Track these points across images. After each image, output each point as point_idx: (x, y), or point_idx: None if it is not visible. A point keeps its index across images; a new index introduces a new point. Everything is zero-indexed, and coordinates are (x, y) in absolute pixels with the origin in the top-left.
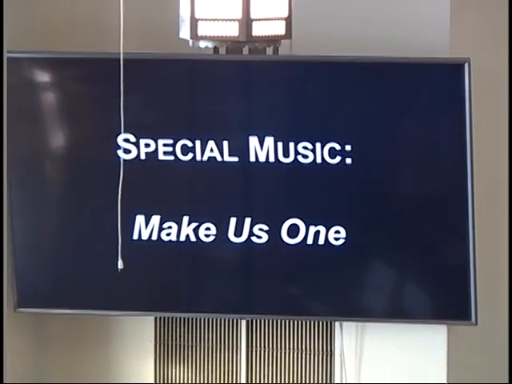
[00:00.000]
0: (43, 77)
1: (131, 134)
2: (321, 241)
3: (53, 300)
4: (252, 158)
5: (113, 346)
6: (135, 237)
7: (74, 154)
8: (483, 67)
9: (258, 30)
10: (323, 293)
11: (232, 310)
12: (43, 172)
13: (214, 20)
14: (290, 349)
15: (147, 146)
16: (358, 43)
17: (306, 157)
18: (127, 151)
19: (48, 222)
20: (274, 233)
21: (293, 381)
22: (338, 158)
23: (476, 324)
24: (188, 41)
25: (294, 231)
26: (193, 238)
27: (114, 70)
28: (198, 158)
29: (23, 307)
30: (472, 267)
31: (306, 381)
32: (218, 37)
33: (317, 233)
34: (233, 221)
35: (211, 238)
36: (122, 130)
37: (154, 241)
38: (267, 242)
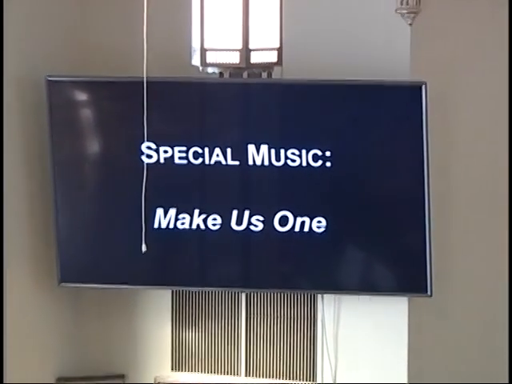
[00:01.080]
0: (79, 96)
1: (152, 142)
2: (306, 229)
3: (89, 276)
4: (250, 162)
5: (137, 314)
6: (156, 226)
7: (106, 159)
8: (441, 89)
9: (255, 58)
10: (308, 271)
11: (234, 285)
12: (82, 173)
13: (220, 50)
14: (280, 316)
15: (165, 152)
16: (335, 69)
17: (293, 161)
18: (149, 156)
19: (85, 213)
20: (268, 222)
21: (283, 341)
22: (320, 162)
23: (431, 296)
24: (198, 67)
25: (284, 221)
26: (202, 227)
27: (138, 90)
28: (207, 162)
29: (65, 282)
30: (428, 251)
31: (294, 341)
32: (222, 64)
33: (302, 222)
34: (234, 213)
35: (217, 227)
36: (145, 139)
37: (171, 229)
38: (262, 229)
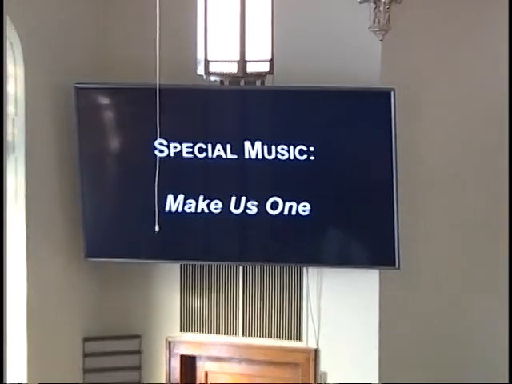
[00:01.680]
0: (102, 100)
1: (164, 139)
2: (293, 212)
3: (110, 252)
4: (246, 156)
5: (151, 284)
6: (167, 209)
7: (125, 153)
8: (407, 94)
9: (251, 68)
10: (295, 247)
11: (232, 259)
12: (104, 165)
13: (220, 61)
14: (272, 285)
15: (175, 147)
16: (318, 77)
17: (283, 155)
18: (161, 151)
19: (107, 200)
20: (261, 206)
21: (274, 307)
22: (305, 156)
23: (399, 268)
24: (203, 76)
25: (274, 205)
26: (206, 210)
27: (152, 95)
28: (210, 155)
29: (90, 257)
30: (396, 229)
31: (283, 307)
32: (223, 73)
33: (290, 206)
34: (233, 198)
35: (218, 210)
36: (158, 137)
37: (179, 212)
38: (257, 213)
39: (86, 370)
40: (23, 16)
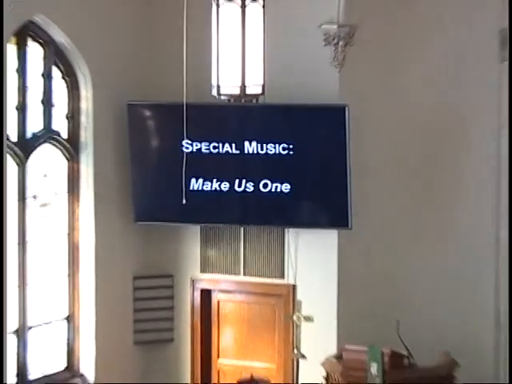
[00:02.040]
0: (146, 113)
1: (189, 139)
2: (278, 190)
3: (153, 217)
4: (245, 151)
5: (180, 240)
6: (191, 188)
7: (162, 149)
8: (357, 109)
9: (249, 91)
10: (279, 214)
11: (236, 222)
12: (148, 157)
13: (228, 86)
14: (264, 241)
15: (196, 145)
16: (294, 98)
17: (271, 150)
18: (187, 148)
19: (149, 182)
20: (256, 186)
21: (266, 255)
22: (286, 151)
23: (351, 229)
24: (216, 96)
25: (265, 185)
26: (218, 189)
27: (181, 109)
28: (220, 151)
29: (138, 221)
30: (349, 204)
31: (272, 255)
32: (229, 94)
33: (276, 186)
34: (237, 181)
35: (226, 189)
36: (185, 138)
37: (199, 190)
38: (253, 190)
39: (135, 299)
40: (92, 53)
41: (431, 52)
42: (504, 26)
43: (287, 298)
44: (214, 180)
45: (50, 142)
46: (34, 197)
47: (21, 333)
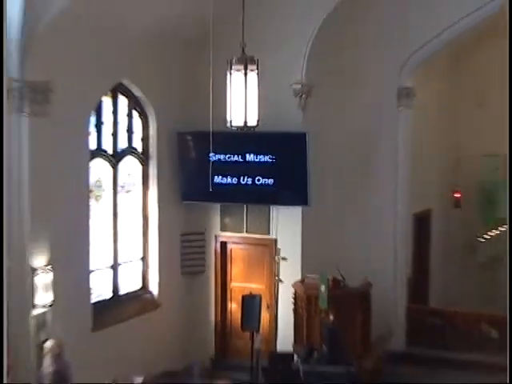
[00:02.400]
0: (189, 138)
1: (213, 152)
2: (266, 183)
3: (194, 198)
4: (247, 160)
5: (208, 212)
6: (215, 181)
7: (197, 158)
8: (315, 134)
9: (249, 123)
10: (266, 197)
11: (241, 202)
12: (188, 164)
13: (236, 121)
14: (257, 214)
15: (217, 156)
16: (276, 126)
17: (261, 159)
18: (212, 157)
19: (191, 179)
20: (253, 181)
21: (259, 221)
22: (271, 160)
23: (310, 206)
24: (229, 126)
25: (257, 180)
26: (230, 182)
27: (208, 135)
28: (232, 159)
29: (184, 200)
30: (308, 192)
31: (263, 221)
32: (237, 126)
33: (265, 181)
34: (241, 177)
35: (236, 182)
36: (211, 151)
37: (220, 183)
38: (251, 183)
39: (181, 247)
40: (155, 101)
41: (359, 102)
42: (400, 85)
43: (271, 246)
44: (228, 177)
45: (131, 154)
46: (122, 186)
47: (114, 267)
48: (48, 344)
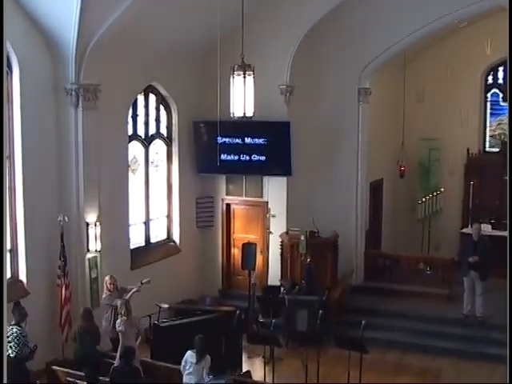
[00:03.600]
0: (204, 127)
1: (220, 136)
2: (260, 159)
3: (205, 171)
4: (246, 142)
5: (216, 182)
6: (221, 158)
7: (208, 142)
8: (296, 123)
9: (247, 114)
10: (261, 170)
11: (241, 173)
12: (201, 147)
13: (237, 112)
14: (253, 183)
15: (224, 139)
16: (267, 117)
17: (257, 141)
18: (220, 140)
19: (203, 156)
20: (250, 158)
21: (255, 189)
22: (264, 141)
23: (292, 176)
24: (232, 116)
25: (254, 157)
26: (233, 159)
27: (216, 123)
28: (233, 142)
29: (199, 173)
30: (292, 165)
31: (257, 189)
32: (238, 116)
33: (259, 158)
34: (241, 155)
35: (237, 159)
36: (218, 135)
37: (225, 159)
38: (248, 160)
39: (196, 208)
40: (176, 97)
41: (329, 98)
42: (360, 86)
43: (264, 206)
44: (231, 154)
45: (158, 138)
46: (152, 162)
47: (147, 223)
48: (107, 278)
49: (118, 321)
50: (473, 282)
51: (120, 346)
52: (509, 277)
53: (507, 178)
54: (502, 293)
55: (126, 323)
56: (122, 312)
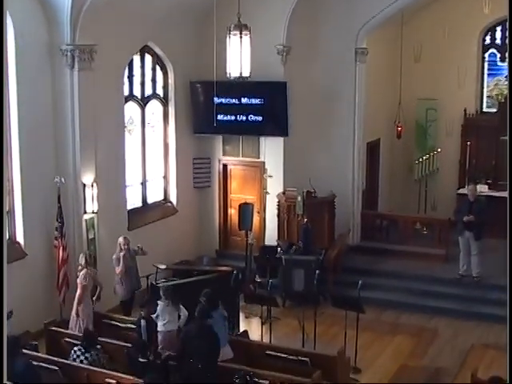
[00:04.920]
0: (198, 84)
1: (216, 96)
2: (257, 119)
3: (201, 131)
4: (242, 102)
5: (213, 142)
6: (218, 118)
7: (205, 102)
8: (291, 84)
9: (243, 74)
10: (257, 130)
11: (238, 134)
12: (198, 108)
13: (234, 72)
14: (250, 143)
15: (220, 99)
16: (263, 77)
17: (253, 102)
18: (216, 100)
19: (200, 118)
20: (247, 118)
21: (252, 149)
22: (260, 102)
23: (288, 136)
24: (228, 76)
25: (250, 117)
26: (229, 119)
27: (212, 83)
28: (230, 102)
29: (195, 133)
30: (288, 125)
31: (254, 149)
32: (235, 76)
33: (256, 118)
34: (238, 115)
35: (234, 119)
36: (214, 95)
37: (222, 120)
38: (245, 120)
39: (193, 168)
40: (172, 57)
41: (327, 58)
42: (357, 46)
43: (260, 167)
44: (228, 115)
45: (155, 98)
46: (148, 123)
47: (143, 183)
48: (120, 239)
49: (81, 273)
50: (468, 242)
51: (77, 298)
52: (509, 272)
53: (505, 138)
54: (498, 253)
55: (88, 274)
56: (82, 263)
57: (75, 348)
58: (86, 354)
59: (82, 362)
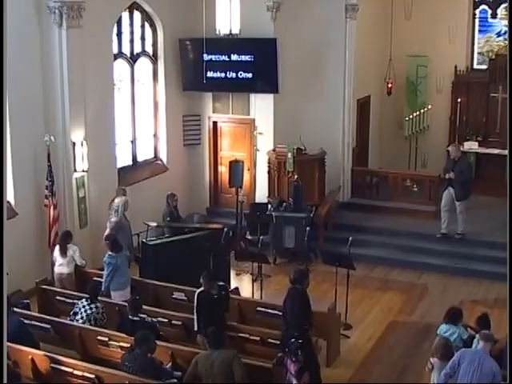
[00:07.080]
0: (187, 42)
1: (206, 53)
2: (247, 76)
3: (191, 88)
4: (232, 59)
5: (204, 99)
6: (208, 75)
7: (196, 58)
8: (281, 40)
9: (233, 31)
10: (248, 87)
11: (228, 91)
12: (189, 66)
13: (223, 29)
14: (240, 100)
15: (210, 56)
16: (251, 34)
17: (243, 58)
18: (206, 57)
19: (190, 70)
20: (236, 75)
21: (241, 107)
22: (250, 58)
23: (279, 93)
24: (218, 33)
25: (241, 74)
26: (219, 76)
27: (202, 40)
28: (220, 59)
29: (185, 90)
30: (279, 82)
31: (244, 106)
32: (224, 33)
33: (246, 75)
34: (228, 72)
35: (223, 76)
36: (204, 52)
37: (212, 77)
38: (235, 77)
39: (183, 126)
40: (162, 14)
41: (316, 15)
42: (347, 2)
43: (251, 124)
44: (218, 72)
45: (144, 56)
46: (138, 80)
47: (133, 141)
48: (117, 200)
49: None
50: (452, 200)
51: None
52: (509, 266)
53: (494, 95)
54: (485, 209)
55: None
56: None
57: (82, 300)
58: (92, 305)
59: (87, 314)
